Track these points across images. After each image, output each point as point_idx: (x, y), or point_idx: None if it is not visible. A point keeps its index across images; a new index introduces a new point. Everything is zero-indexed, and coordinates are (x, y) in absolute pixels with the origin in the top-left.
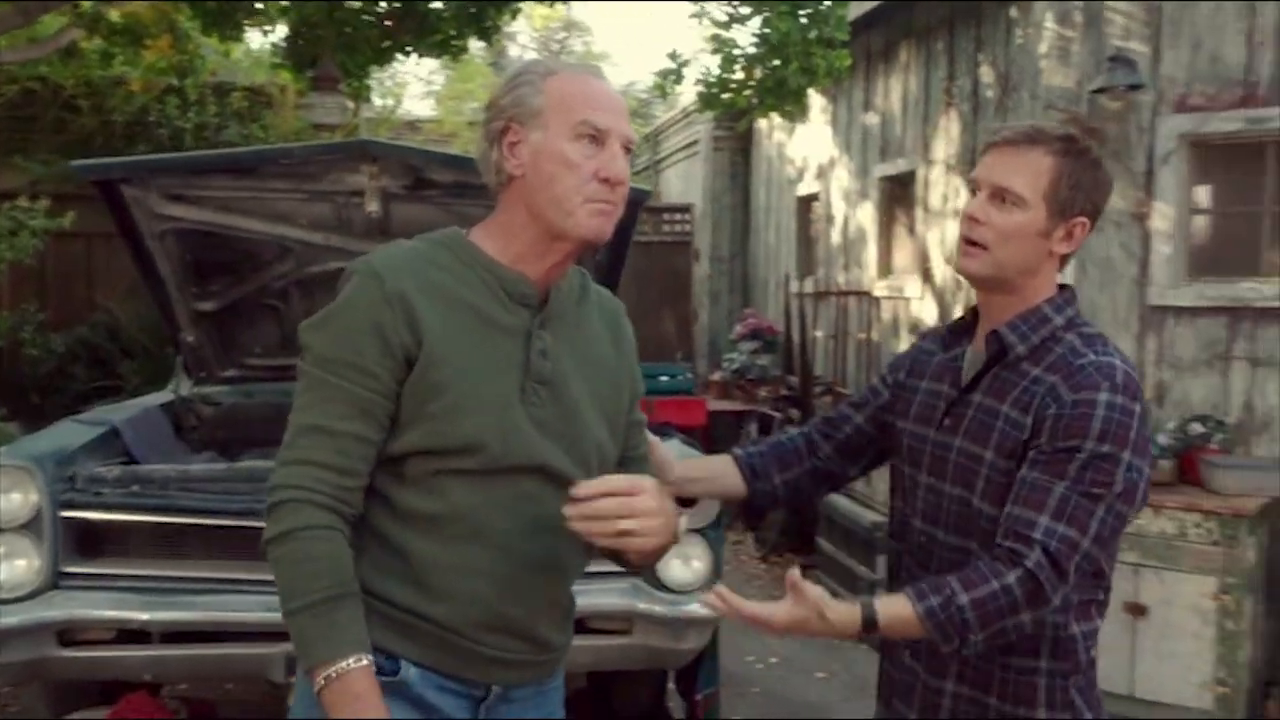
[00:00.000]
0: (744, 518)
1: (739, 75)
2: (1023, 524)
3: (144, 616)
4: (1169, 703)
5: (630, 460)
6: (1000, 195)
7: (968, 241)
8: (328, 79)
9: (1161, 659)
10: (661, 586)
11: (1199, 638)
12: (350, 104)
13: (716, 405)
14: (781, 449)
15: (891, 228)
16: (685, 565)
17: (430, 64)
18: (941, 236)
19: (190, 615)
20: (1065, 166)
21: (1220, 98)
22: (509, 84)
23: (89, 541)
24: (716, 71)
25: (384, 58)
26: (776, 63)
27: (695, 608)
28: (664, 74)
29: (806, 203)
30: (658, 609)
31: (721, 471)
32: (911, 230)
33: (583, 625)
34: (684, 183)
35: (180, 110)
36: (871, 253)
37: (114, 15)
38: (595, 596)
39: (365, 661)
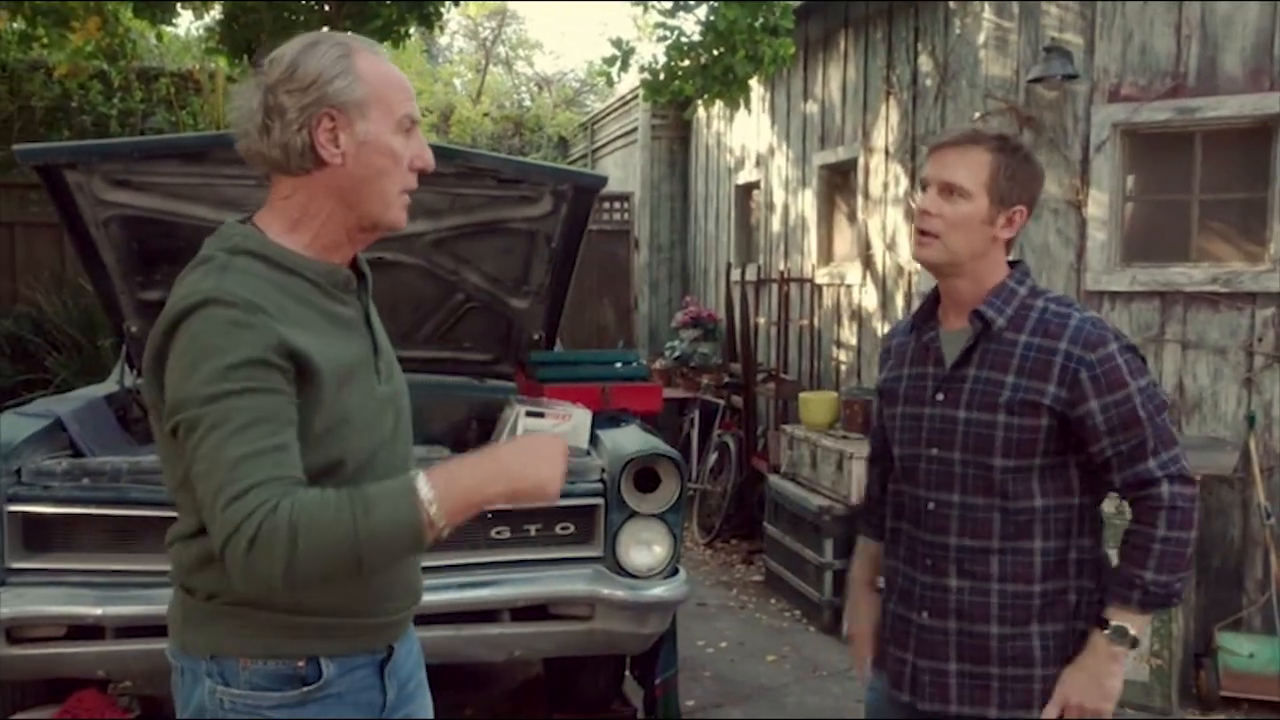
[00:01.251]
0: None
1: (685, 63)
2: (1142, 474)
3: (97, 611)
4: None
5: None
6: (948, 189)
7: (921, 232)
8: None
9: None
10: (622, 571)
11: None
12: None
13: None
14: (880, 502)
15: (832, 215)
16: (646, 550)
17: None
18: (882, 223)
19: (145, 609)
20: (1002, 161)
21: (1151, 88)
22: (319, 69)
23: (37, 536)
24: (663, 59)
25: None
26: (721, 50)
27: (657, 592)
28: (609, 61)
29: (746, 191)
30: (619, 594)
31: (874, 551)
32: (852, 218)
33: (545, 611)
34: (622, 170)
35: (105, 96)
36: (812, 240)
37: None
38: (556, 583)
39: (420, 473)
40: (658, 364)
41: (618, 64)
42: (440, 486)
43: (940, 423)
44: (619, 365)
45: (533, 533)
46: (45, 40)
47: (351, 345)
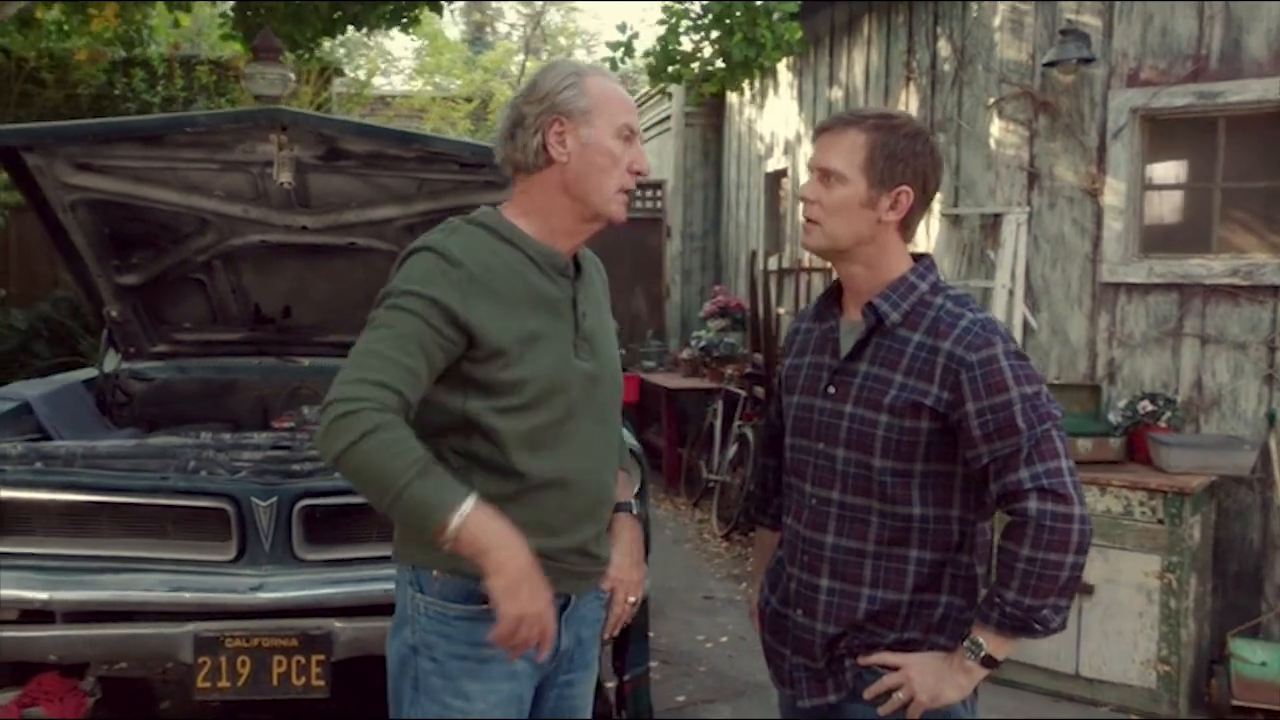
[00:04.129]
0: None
1: (685, 47)
2: (1011, 485)
3: (44, 596)
4: (1113, 681)
5: None
6: (825, 175)
7: (807, 219)
8: (268, 49)
9: (1107, 637)
10: None
11: (1143, 616)
12: (292, 75)
13: (684, 383)
14: (776, 492)
15: None
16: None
17: (405, 40)
18: None
19: (93, 595)
20: (878, 140)
21: (1171, 72)
22: (553, 84)
23: None
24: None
25: (334, 29)
26: (718, 34)
27: None
28: (614, 46)
29: (776, 178)
30: None
31: (771, 542)
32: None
33: None
34: (657, 159)
35: (147, 84)
36: None
37: None
38: None
39: (474, 494)
40: (684, 353)
41: (621, 49)
42: (478, 517)
43: (828, 416)
44: None
45: None
46: (68, 28)
47: (542, 318)
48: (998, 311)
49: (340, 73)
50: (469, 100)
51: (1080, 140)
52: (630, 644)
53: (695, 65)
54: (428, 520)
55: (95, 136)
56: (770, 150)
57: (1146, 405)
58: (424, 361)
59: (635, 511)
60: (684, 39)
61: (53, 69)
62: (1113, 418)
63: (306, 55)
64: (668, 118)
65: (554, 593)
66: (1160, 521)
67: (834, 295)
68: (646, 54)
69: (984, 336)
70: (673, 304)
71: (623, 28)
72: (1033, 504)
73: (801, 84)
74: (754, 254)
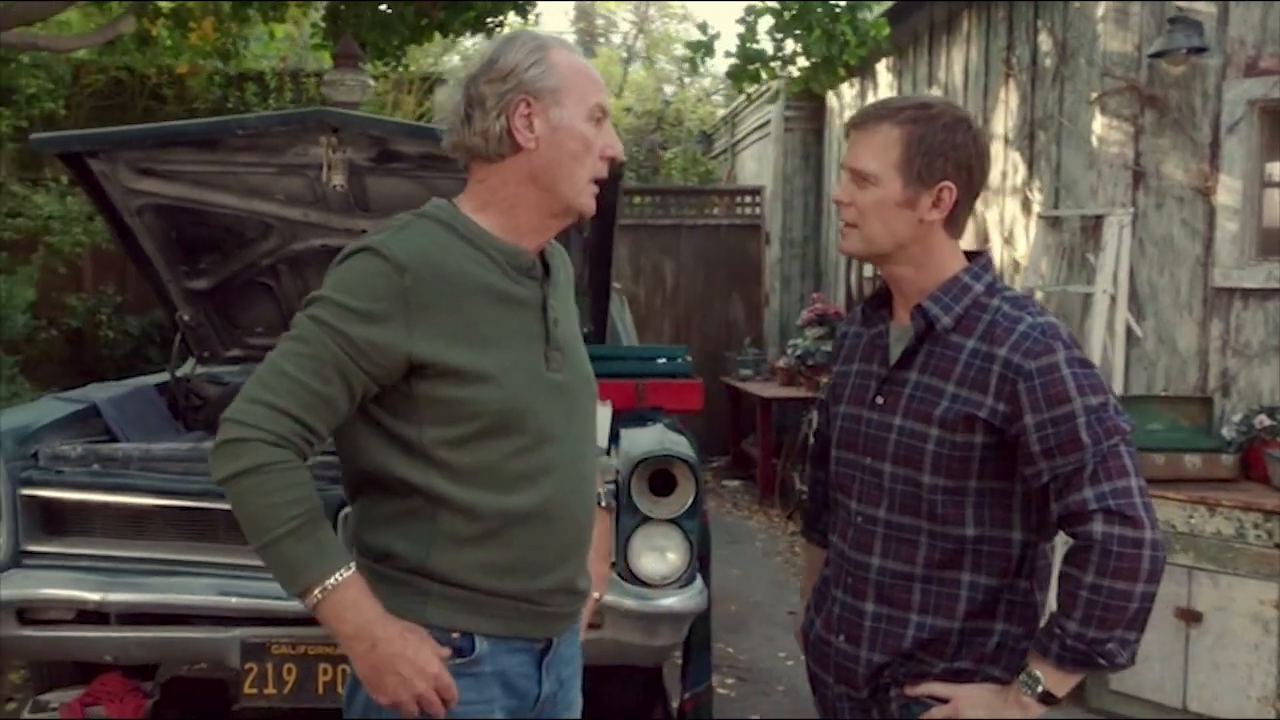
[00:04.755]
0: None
1: (764, 47)
2: (1074, 505)
3: (96, 597)
4: (1225, 717)
5: None
6: (859, 175)
7: (844, 223)
8: (348, 57)
9: (1218, 669)
10: (634, 579)
11: (1259, 648)
12: (372, 82)
13: (779, 393)
14: (826, 508)
15: None
16: (659, 557)
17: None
18: (1000, 216)
19: (142, 597)
20: (914, 134)
21: None
22: (516, 60)
23: (54, 520)
24: (752, 44)
25: (421, 36)
26: (798, 32)
27: (669, 602)
28: (694, 46)
29: None
30: (628, 602)
31: (819, 560)
32: (973, 210)
33: None
34: (758, 164)
35: (259, 97)
36: None
37: (163, 1)
38: None
39: (352, 570)
40: (780, 362)
41: (701, 51)
42: (341, 597)
43: (876, 429)
44: (661, 361)
45: None
46: (169, 42)
47: (506, 329)
48: (1098, 319)
49: (443, 81)
50: None
51: (1191, 136)
52: (692, 660)
53: (776, 65)
54: (289, 584)
55: (151, 141)
56: None
57: (1264, 420)
58: (342, 389)
59: (604, 504)
60: (764, 38)
61: (171, 85)
62: (1226, 433)
63: (394, 63)
64: (767, 123)
65: (534, 638)
66: (1278, 545)
67: (883, 297)
68: (727, 54)
69: (1044, 342)
70: (771, 311)
71: (704, 27)
72: (1098, 527)
73: (901, 84)
74: (849, 260)
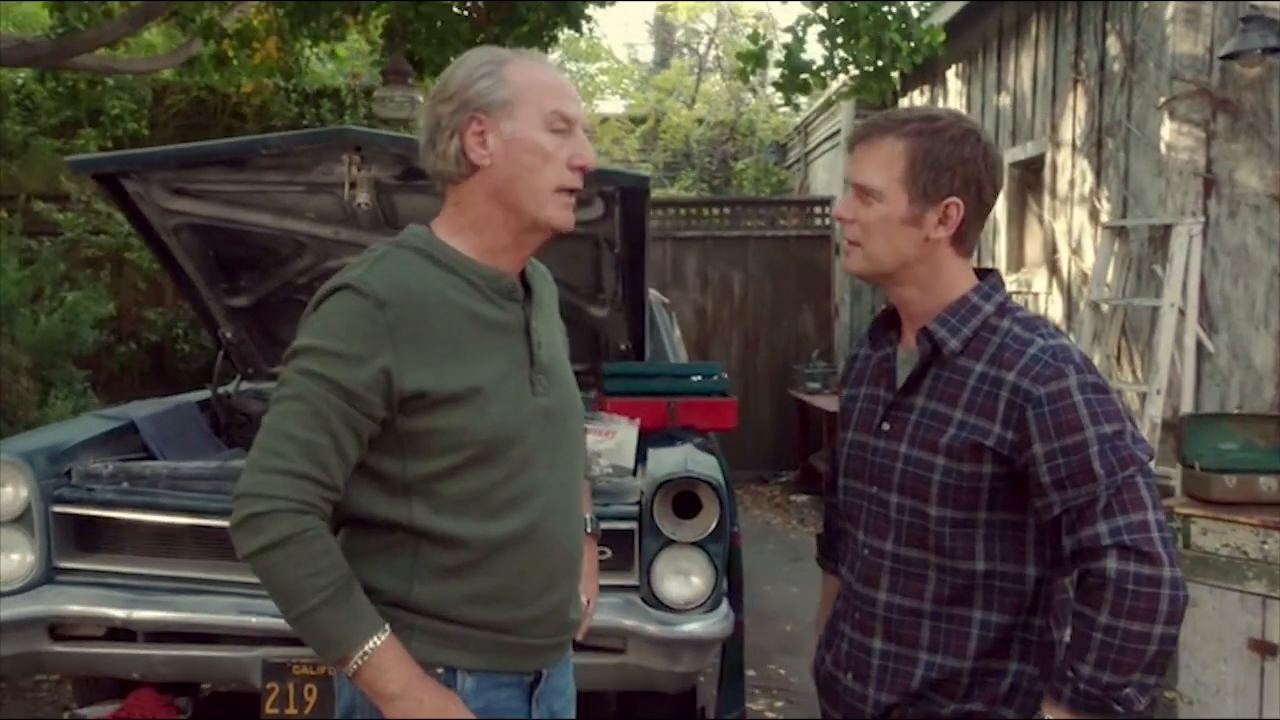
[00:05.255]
0: None
1: (813, 56)
2: (1087, 541)
3: (122, 614)
4: None
5: None
6: (862, 191)
7: (847, 241)
8: (397, 73)
9: None
10: (658, 603)
11: None
12: (420, 98)
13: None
14: (839, 532)
15: (1023, 217)
16: (683, 581)
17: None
18: (1068, 226)
19: (166, 615)
20: (920, 148)
21: None
22: (465, 76)
23: (86, 537)
24: (800, 54)
25: None
26: (843, 40)
27: (692, 628)
28: (745, 57)
29: None
30: (650, 628)
31: (834, 590)
32: (1041, 220)
33: (575, 642)
34: (829, 174)
35: (335, 113)
36: (1002, 244)
37: (229, 22)
38: None
39: (388, 632)
40: None
41: (752, 61)
42: (382, 660)
43: (882, 457)
44: (696, 379)
45: None
46: (236, 61)
47: (490, 355)
48: (1165, 333)
49: None
50: (635, 120)
51: (1267, 141)
52: (725, 686)
53: (827, 74)
54: (328, 651)
55: (179, 161)
56: None
57: None
58: (351, 438)
59: (590, 530)
60: (813, 48)
61: (250, 104)
62: None
63: None
64: (837, 132)
65: (521, 671)
66: None
67: (892, 318)
68: (777, 64)
69: (1054, 366)
70: (841, 324)
71: (755, 38)
72: (1112, 564)
73: (970, 91)
74: None
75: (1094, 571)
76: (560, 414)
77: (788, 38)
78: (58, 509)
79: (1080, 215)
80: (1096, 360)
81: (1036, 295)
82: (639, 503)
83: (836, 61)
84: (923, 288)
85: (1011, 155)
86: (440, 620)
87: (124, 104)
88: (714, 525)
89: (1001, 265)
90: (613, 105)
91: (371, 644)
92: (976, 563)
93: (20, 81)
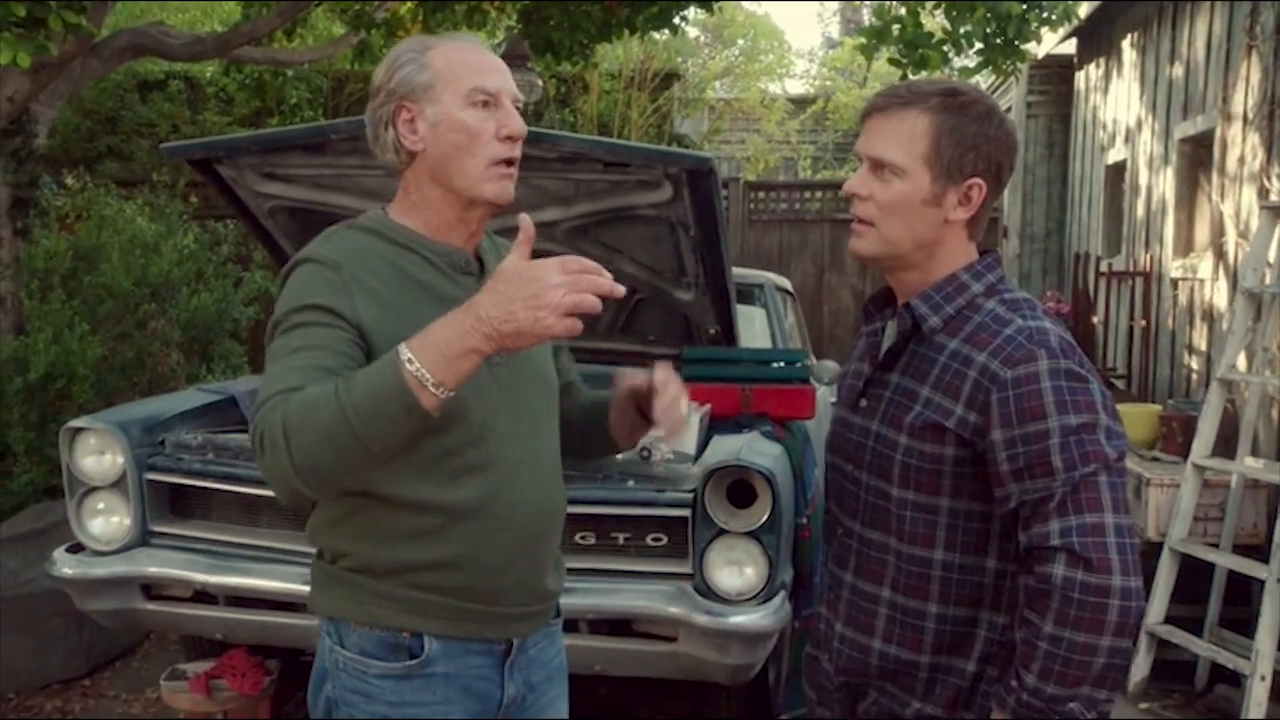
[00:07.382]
0: None
1: (927, 29)
2: (1037, 540)
3: (202, 578)
4: None
5: (567, 386)
6: (878, 166)
7: (856, 219)
8: (517, 57)
9: None
10: (710, 593)
11: None
12: (540, 82)
13: None
14: None
15: (1193, 197)
16: (735, 571)
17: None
18: (1236, 207)
19: (242, 581)
20: (945, 124)
21: None
22: (390, 67)
23: (177, 504)
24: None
25: (609, 34)
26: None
27: (740, 620)
28: (867, 32)
29: (1116, 171)
30: (699, 617)
31: None
32: (1210, 200)
33: (628, 628)
34: None
35: None
36: (1169, 227)
37: (380, 14)
38: (632, 598)
39: (404, 346)
40: None
41: (873, 40)
42: (417, 344)
43: (857, 434)
44: (777, 365)
45: (621, 541)
46: (384, 52)
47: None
48: None
49: (678, 76)
50: (799, 102)
51: None
52: (789, 680)
53: (948, 50)
54: (404, 404)
55: (259, 146)
56: (1112, 140)
57: None
58: (343, 356)
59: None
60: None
61: None
62: None
63: (581, 63)
64: (1008, 109)
65: (491, 639)
66: None
67: (889, 293)
68: (894, 41)
69: (1027, 349)
70: None
71: (881, 11)
72: (1059, 569)
73: (1143, 62)
74: (1077, 256)
75: (1040, 575)
76: (520, 386)
77: (904, 12)
78: (150, 476)
79: (1249, 195)
80: (1254, 355)
81: (1202, 282)
82: (694, 490)
83: (962, 35)
84: (925, 272)
85: (1181, 131)
86: (403, 585)
87: (300, 93)
88: (767, 515)
89: (1168, 250)
90: (793, 86)
91: (403, 354)
92: (935, 551)
93: (210, 75)
